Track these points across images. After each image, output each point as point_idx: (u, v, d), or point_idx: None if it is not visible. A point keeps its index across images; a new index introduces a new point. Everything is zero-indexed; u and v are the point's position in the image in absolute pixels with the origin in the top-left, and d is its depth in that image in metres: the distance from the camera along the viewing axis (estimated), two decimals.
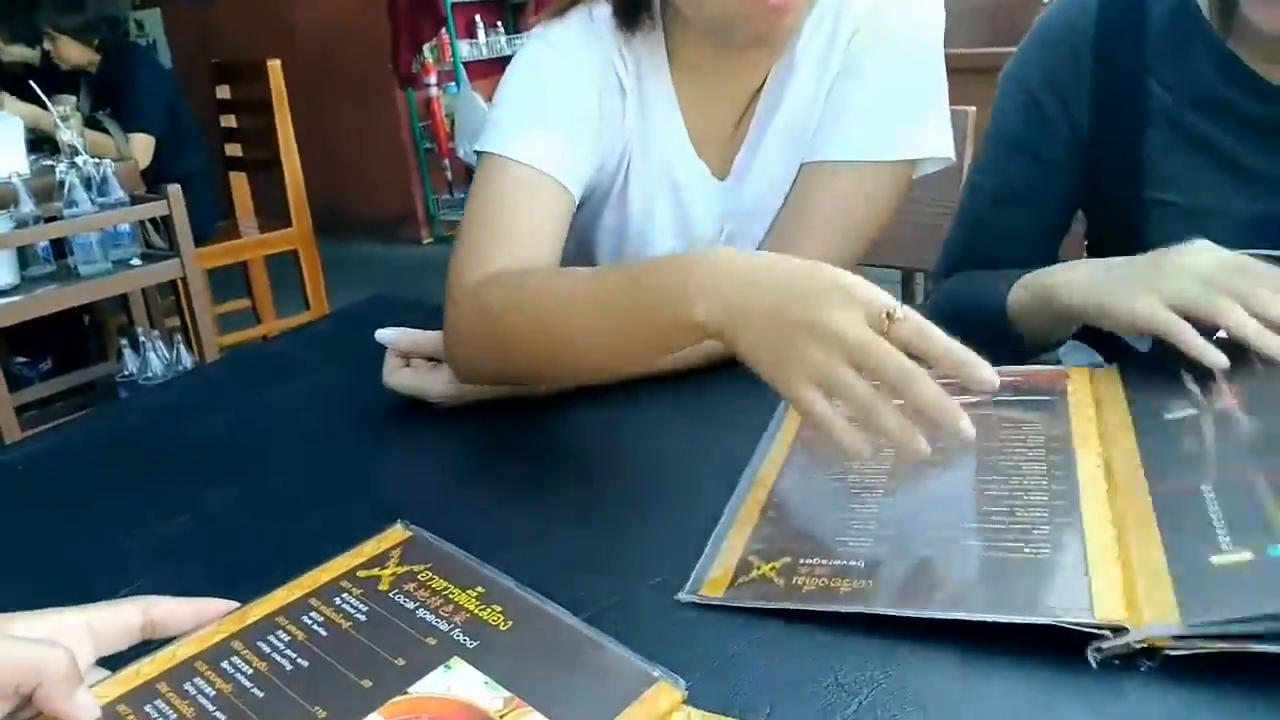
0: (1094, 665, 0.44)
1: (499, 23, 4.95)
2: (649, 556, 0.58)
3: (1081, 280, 0.72)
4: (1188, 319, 0.62)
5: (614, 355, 0.69)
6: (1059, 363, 0.81)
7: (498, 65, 5.05)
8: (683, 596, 0.53)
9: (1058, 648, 0.45)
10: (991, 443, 0.61)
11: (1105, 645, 0.44)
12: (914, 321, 0.52)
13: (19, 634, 0.42)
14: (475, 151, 0.85)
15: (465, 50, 4.70)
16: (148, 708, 0.42)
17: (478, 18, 4.84)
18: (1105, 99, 0.85)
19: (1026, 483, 0.57)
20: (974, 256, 0.94)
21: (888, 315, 0.52)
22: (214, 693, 0.43)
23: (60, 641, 0.43)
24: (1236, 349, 0.62)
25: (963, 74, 1.02)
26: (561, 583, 0.54)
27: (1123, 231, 0.87)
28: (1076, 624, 0.44)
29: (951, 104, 0.87)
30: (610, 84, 0.86)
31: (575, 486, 0.68)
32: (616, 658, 0.44)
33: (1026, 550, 0.50)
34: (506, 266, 0.76)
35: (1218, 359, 0.60)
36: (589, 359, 0.71)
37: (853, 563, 0.53)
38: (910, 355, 0.52)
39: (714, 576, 0.54)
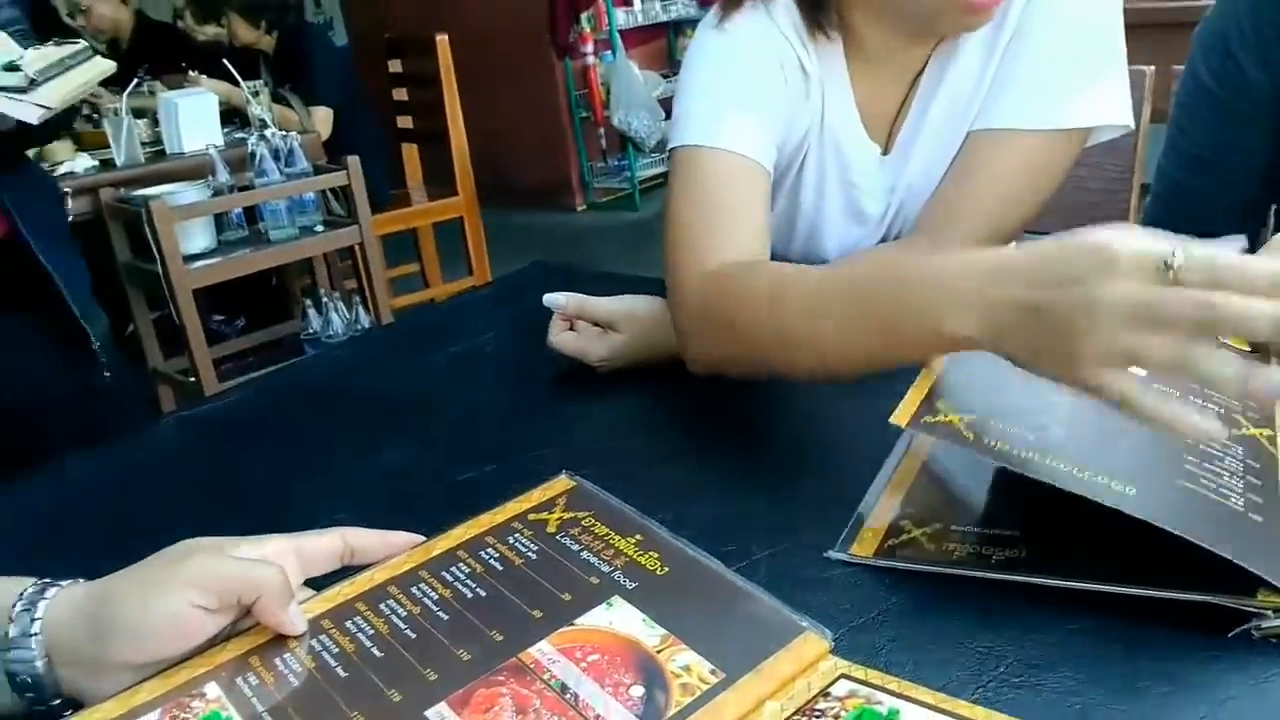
0: (1255, 638, 0.43)
1: None
2: (800, 516, 0.60)
3: None
4: None
5: (864, 363, 0.64)
6: None
7: (653, 33, 5.08)
8: (832, 554, 0.55)
9: (1210, 624, 0.44)
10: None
11: (1266, 625, 0.43)
12: (1200, 260, 0.45)
13: (243, 552, 0.48)
14: (672, 148, 0.85)
15: (621, 18, 4.75)
16: (348, 623, 0.48)
17: None
18: None
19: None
20: (1166, 224, 0.91)
21: (1165, 265, 0.45)
22: (405, 613, 0.48)
23: (275, 563, 0.49)
24: None
25: (1141, 30, 0.97)
26: (714, 537, 0.57)
27: None
28: (1245, 604, 0.43)
29: (1130, 64, 0.84)
30: (793, 65, 0.86)
31: (729, 448, 0.71)
32: (766, 607, 0.47)
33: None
34: (731, 256, 0.77)
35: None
36: (832, 365, 0.66)
37: (1006, 531, 0.53)
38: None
39: (864, 537, 0.56)
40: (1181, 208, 0.89)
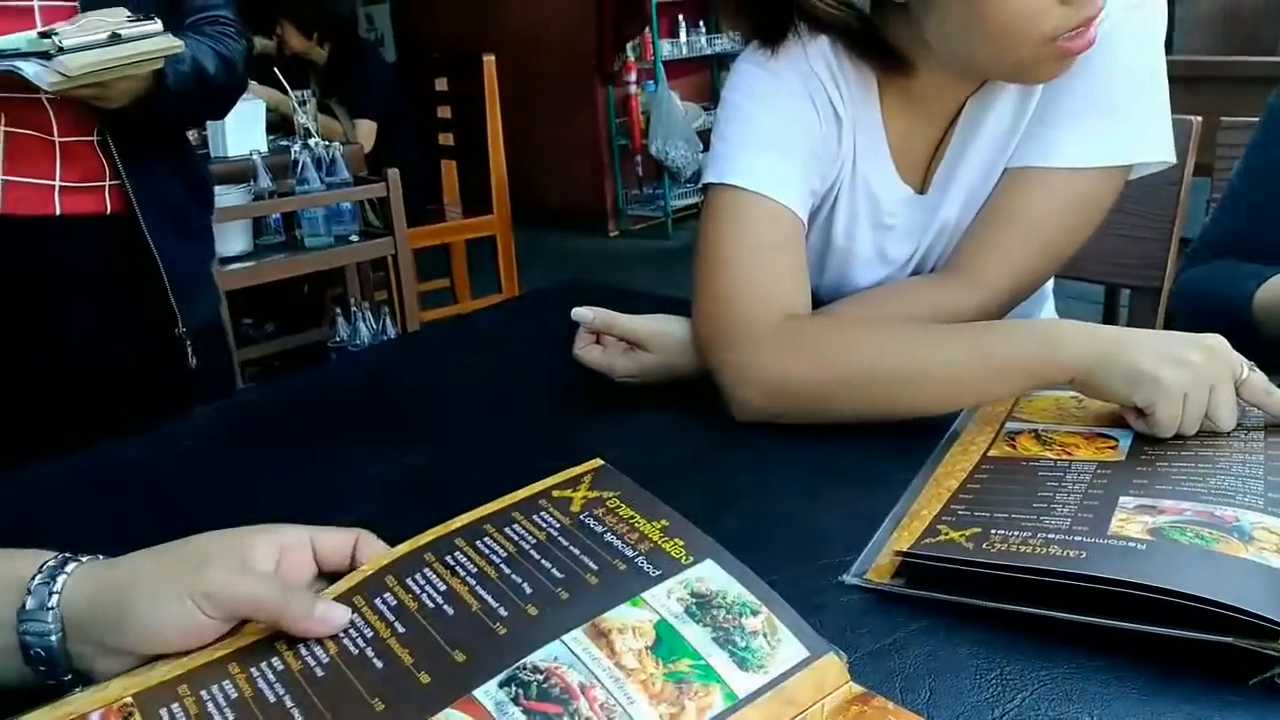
0: (1278, 684, 0.42)
1: (700, 22, 5.02)
2: (818, 539, 0.59)
3: None
4: None
5: (961, 391, 0.73)
6: None
7: (696, 65, 5.13)
8: (848, 579, 0.54)
9: (1231, 670, 0.43)
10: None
11: None
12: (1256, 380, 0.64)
13: (259, 561, 0.48)
14: (712, 183, 0.84)
15: (666, 49, 4.80)
16: (376, 600, 0.48)
17: (680, 17, 4.92)
18: None
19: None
20: (1233, 244, 0.92)
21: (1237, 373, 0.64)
22: (445, 587, 0.48)
23: (289, 555, 0.49)
24: None
25: (1191, 82, 0.97)
26: (731, 553, 0.56)
27: None
28: (1268, 648, 0.43)
29: (1177, 113, 0.83)
30: (827, 110, 0.85)
31: (750, 465, 0.70)
32: (791, 618, 0.46)
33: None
34: (787, 304, 0.79)
35: None
36: (934, 397, 0.73)
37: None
38: None
39: (880, 563, 0.55)
40: (1258, 227, 0.90)
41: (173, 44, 1.11)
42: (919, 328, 0.76)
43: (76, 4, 1.12)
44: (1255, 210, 0.90)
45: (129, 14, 1.10)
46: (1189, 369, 0.62)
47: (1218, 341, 0.64)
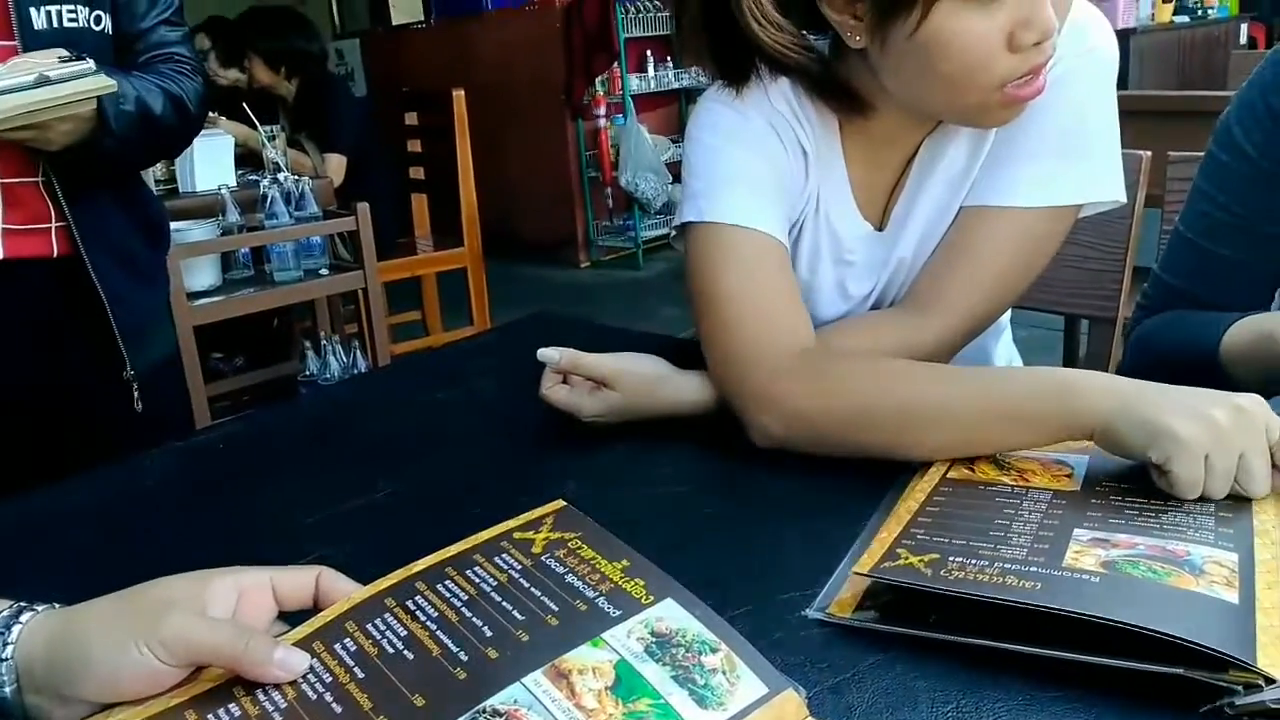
0: (1228, 714, 0.43)
1: (668, 57, 5.08)
2: (780, 573, 0.60)
3: None
4: None
5: (980, 437, 0.70)
6: None
7: (664, 99, 5.18)
8: (810, 613, 0.55)
9: (1183, 700, 0.44)
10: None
11: (1240, 701, 0.43)
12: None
13: (216, 606, 0.48)
14: (700, 221, 0.84)
15: (635, 83, 4.85)
16: (336, 646, 0.48)
17: (648, 52, 4.98)
18: None
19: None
20: (1185, 291, 0.91)
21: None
22: (405, 632, 0.48)
23: (249, 596, 0.49)
24: None
25: (1142, 116, 0.99)
26: (694, 590, 0.56)
27: None
28: (1219, 679, 0.43)
29: (1128, 147, 0.85)
30: (794, 146, 0.87)
31: (715, 502, 0.71)
32: (750, 656, 0.46)
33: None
34: (803, 334, 0.81)
35: None
36: (948, 439, 0.71)
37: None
38: None
39: (842, 597, 0.56)
40: (1206, 274, 0.89)
41: (105, 83, 1.08)
42: (947, 371, 0.76)
43: (17, 44, 1.10)
44: (1205, 256, 0.90)
45: (65, 54, 1.07)
46: (1209, 426, 0.58)
47: (1250, 401, 0.59)
